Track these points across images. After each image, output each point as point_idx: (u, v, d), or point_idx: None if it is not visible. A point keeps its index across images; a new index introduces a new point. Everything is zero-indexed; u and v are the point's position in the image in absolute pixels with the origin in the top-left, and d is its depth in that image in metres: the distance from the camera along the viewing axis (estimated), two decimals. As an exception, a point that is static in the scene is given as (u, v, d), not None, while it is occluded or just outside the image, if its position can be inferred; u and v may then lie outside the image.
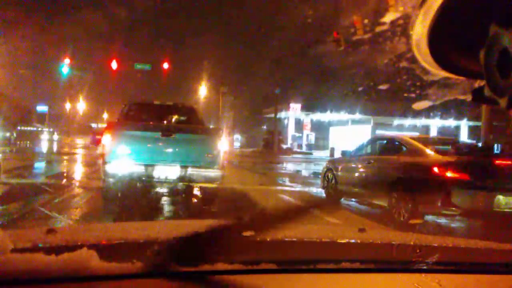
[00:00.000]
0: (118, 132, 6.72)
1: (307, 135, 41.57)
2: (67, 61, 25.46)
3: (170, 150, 6.83)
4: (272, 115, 35.44)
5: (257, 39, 37.31)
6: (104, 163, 6.47)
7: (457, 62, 0.80)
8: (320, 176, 9.67)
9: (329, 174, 8.61)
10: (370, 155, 7.79)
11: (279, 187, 11.17)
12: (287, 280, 1.16)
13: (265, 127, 43.97)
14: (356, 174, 7.82)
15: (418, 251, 1.29)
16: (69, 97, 52.55)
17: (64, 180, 10.63)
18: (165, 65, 25.65)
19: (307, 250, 1.32)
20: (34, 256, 0.98)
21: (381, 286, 1.23)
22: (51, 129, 55.66)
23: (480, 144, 12.33)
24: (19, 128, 36.84)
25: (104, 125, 9.54)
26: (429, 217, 6.33)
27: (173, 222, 1.81)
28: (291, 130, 42.32)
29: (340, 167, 8.36)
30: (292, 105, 38.11)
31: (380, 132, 29.46)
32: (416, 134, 25.83)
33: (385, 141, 8.13)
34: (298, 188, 11.22)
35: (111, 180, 6.74)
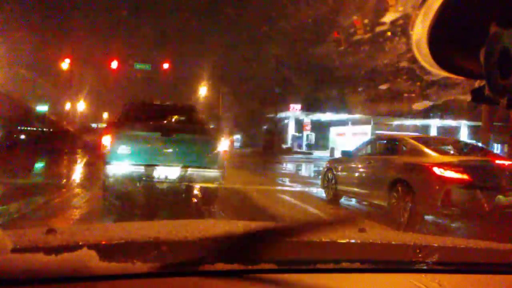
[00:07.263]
0: (119, 133, 6.72)
1: (307, 135, 41.55)
2: (67, 61, 25.47)
3: (170, 150, 6.82)
4: (272, 115, 35.41)
5: (258, 39, 37.30)
6: (104, 163, 6.49)
7: (457, 62, 0.80)
8: (320, 176, 9.67)
9: (329, 174, 8.61)
10: (370, 155, 7.79)
11: (279, 187, 11.16)
12: (287, 280, 1.15)
13: (265, 127, 43.95)
14: (356, 174, 7.82)
15: (418, 251, 1.29)
16: (69, 97, 52.32)
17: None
18: (165, 65, 25.69)
19: (307, 250, 1.32)
20: (34, 256, 0.98)
21: (381, 286, 1.23)
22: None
23: (480, 144, 12.34)
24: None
25: (104, 125, 9.54)
26: (429, 217, 6.32)
27: (173, 222, 1.80)
28: (291, 130, 42.31)
29: (340, 167, 8.36)
30: (292, 105, 38.11)
31: (380, 132, 29.43)
32: (416, 134, 25.86)
33: (385, 141, 8.13)
34: (298, 188, 11.21)
35: (111, 180, 6.74)
